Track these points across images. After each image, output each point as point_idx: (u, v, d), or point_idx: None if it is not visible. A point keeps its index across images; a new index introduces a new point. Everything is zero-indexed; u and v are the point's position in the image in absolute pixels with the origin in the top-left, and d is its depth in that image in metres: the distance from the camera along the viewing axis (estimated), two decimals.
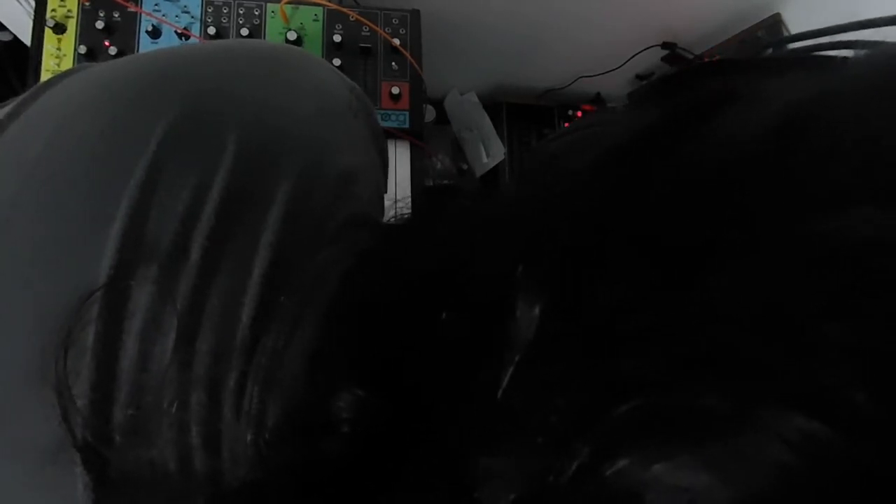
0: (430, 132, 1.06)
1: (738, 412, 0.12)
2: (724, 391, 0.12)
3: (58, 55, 0.65)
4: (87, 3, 0.66)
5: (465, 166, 1.08)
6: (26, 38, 0.67)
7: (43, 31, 0.65)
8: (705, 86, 0.18)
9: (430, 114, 1.05)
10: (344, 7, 0.72)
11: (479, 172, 1.05)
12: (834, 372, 0.12)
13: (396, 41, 0.71)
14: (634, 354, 0.14)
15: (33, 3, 0.66)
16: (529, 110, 1.11)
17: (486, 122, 1.04)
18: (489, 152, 1.03)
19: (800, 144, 0.14)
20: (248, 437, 0.20)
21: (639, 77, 1.09)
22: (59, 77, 0.27)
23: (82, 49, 0.65)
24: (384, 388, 0.18)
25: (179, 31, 0.67)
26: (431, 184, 0.98)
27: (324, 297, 0.21)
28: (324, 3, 0.70)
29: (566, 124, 1.11)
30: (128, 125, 0.23)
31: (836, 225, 0.12)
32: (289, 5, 0.69)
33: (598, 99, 1.15)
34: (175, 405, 0.20)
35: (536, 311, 0.15)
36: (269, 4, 0.69)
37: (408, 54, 0.72)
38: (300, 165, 0.24)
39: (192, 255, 0.21)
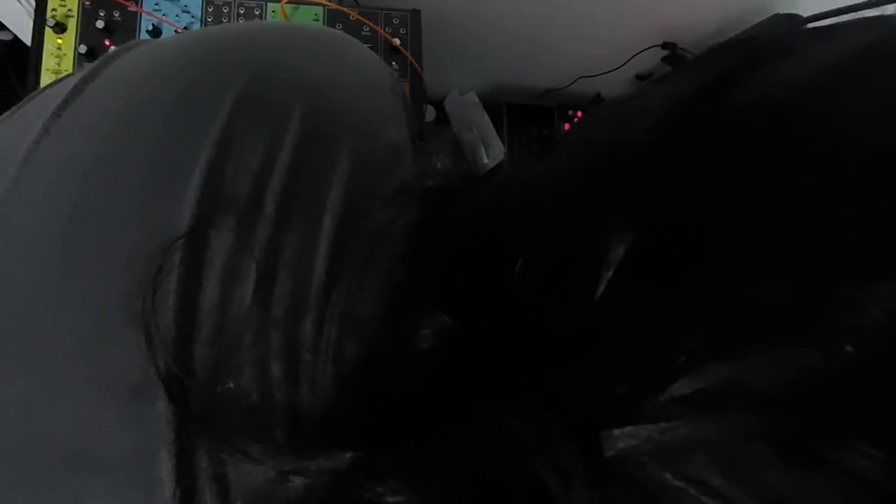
0: (430, 132, 1.06)
1: (830, 285, 0.13)
2: (802, 285, 0.13)
3: (58, 55, 0.65)
4: (88, 3, 0.66)
5: (465, 166, 1.08)
6: (26, 38, 0.67)
7: (43, 31, 0.65)
8: (755, 42, 0.19)
9: (430, 114, 1.05)
10: (344, 7, 0.72)
11: (479, 172, 1.05)
12: None
13: (396, 41, 0.71)
14: (722, 262, 0.15)
15: (33, 3, 0.66)
16: (529, 110, 1.11)
17: (486, 122, 1.04)
18: (489, 152, 1.03)
19: (866, 77, 0.16)
20: (328, 372, 0.21)
21: (639, 77, 1.09)
22: (128, 47, 0.29)
23: (83, 49, 0.65)
24: (468, 315, 0.18)
25: (180, 31, 0.67)
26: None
27: (395, 243, 0.22)
28: (324, 2, 0.70)
29: (566, 126, 1.11)
30: (203, 89, 0.25)
31: None
32: (289, 5, 0.69)
33: (598, 99, 1.15)
34: (255, 343, 0.21)
35: (629, 234, 0.16)
36: (269, 4, 0.69)
37: (408, 54, 0.72)
38: (358, 132, 0.26)
39: (266, 208, 0.23)
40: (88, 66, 0.28)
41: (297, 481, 0.19)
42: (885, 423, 0.13)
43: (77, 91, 0.26)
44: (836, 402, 0.13)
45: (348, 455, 0.17)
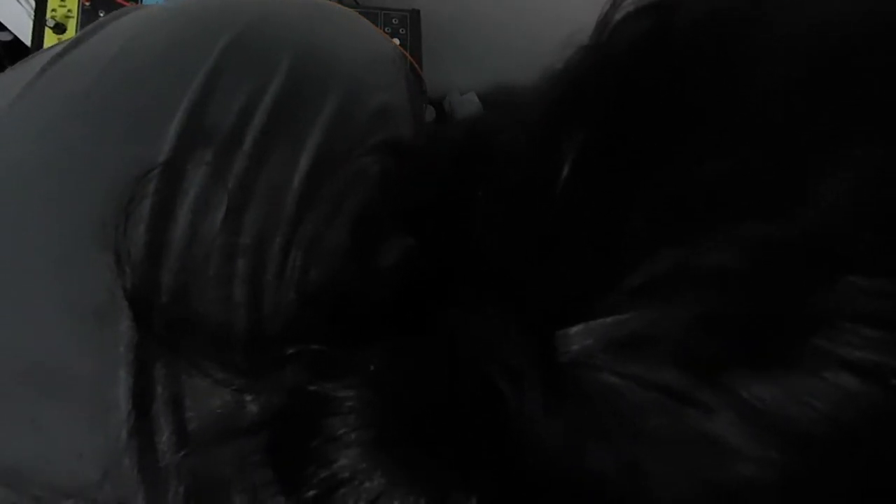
0: None
1: (788, 158, 0.13)
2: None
3: None
4: (88, 3, 0.66)
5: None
6: (26, 38, 0.67)
7: (43, 31, 0.65)
8: None
9: (430, 114, 1.05)
10: (344, 7, 0.72)
11: None
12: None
13: (396, 41, 0.71)
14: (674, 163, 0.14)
15: (33, 3, 0.66)
16: None
17: None
18: None
19: None
20: (290, 294, 0.22)
21: None
22: (129, 9, 0.31)
23: None
24: (431, 231, 0.19)
25: None
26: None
27: (367, 186, 0.22)
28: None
29: None
30: (194, 37, 0.26)
31: None
32: None
33: None
34: (220, 268, 0.22)
35: (581, 133, 0.16)
36: None
37: (408, 54, 0.72)
38: (345, 89, 0.27)
39: (245, 145, 0.24)
40: (92, 24, 0.30)
41: (253, 406, 0.19)
42: (871, 295, 0.12)
43: (75, 43, 0.27)
44: (804, 275, 0.12)
45: (304, 361, 0.18)
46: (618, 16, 0.18)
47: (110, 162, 0.23)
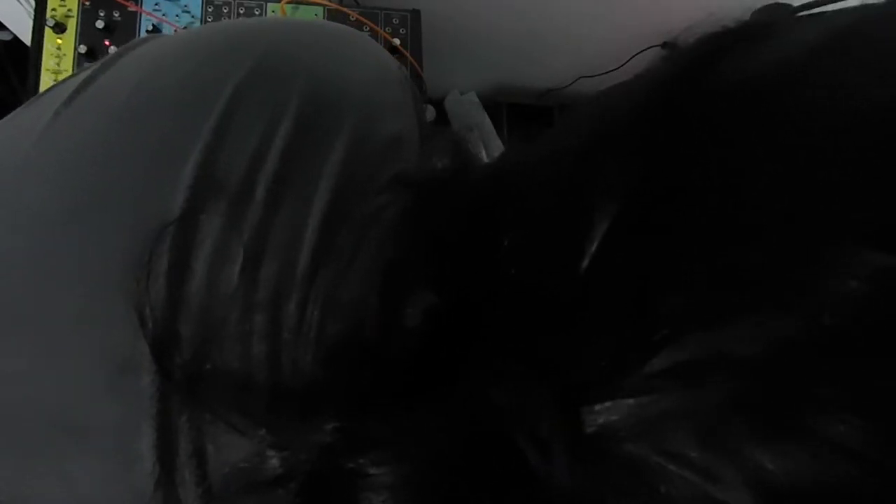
0: None
1: (808, 252, 0.13)
2: (790, 235, 0.14)
3: (58, 55, 0.65)
4: (88, 3, 0.66)
5: (460, 157, 1.07)
6: (26, 38, 0.67)
7: (43, 31, 0.65)
8: (739, 27, 0.19)
9: (430, 114, 1.05)
10: (344, 7, 0.72)
11: None
12: None
13: (396, 41, 0.71)
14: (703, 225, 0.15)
15: (33, 3, 0.66)
16: (529, 110, 1.12)
17: (487, 122, 1.04)
18: (489, 152, 1.03)
19: (845, 56, 0.16)
20: (309, 352, 0.22)
21: None
22: (140, 41, 0.31)
23: (82, 49, 0.65)
24: (456, 292, 0.19)
25: (180, 31, 0.67)
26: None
27: (385, 229, 0.22)
28: (324, 2, 0.70)
29: None
30: (205, 78, 0.26)
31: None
32: (289, 5, 0.69)
33: None
34: (239, 323, 0.22)
35: (613, 206, 0.16)
36: (269, 4, 0.69)
37: (408, 54, 0.72)
38: (356, 124, 0.27)
39: (257, 194, 0.24)
40: (102, 59, 0.30)
41: (275, 460, 0.19)
42: (862, 389, 0.13)
43: (88, 81, 0.27)
44: (813, 370, 0.13)
45: (329, 427, 0.18)
46: (655, 77, 0.18)
47: (129, 216, 0.23)
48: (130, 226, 0.23)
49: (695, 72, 0.18)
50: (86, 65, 0.28)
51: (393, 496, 0.16)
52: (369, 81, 0.30)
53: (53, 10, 0.65)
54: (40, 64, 0.65)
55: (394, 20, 0.73)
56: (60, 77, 0.65)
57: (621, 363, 0.15)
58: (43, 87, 0.65)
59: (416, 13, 0.73)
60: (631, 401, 0.15)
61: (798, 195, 0.14)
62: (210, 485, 0.21)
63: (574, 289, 0.16)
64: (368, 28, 0.71)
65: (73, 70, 0.65)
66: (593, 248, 0.16)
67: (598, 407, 0.15)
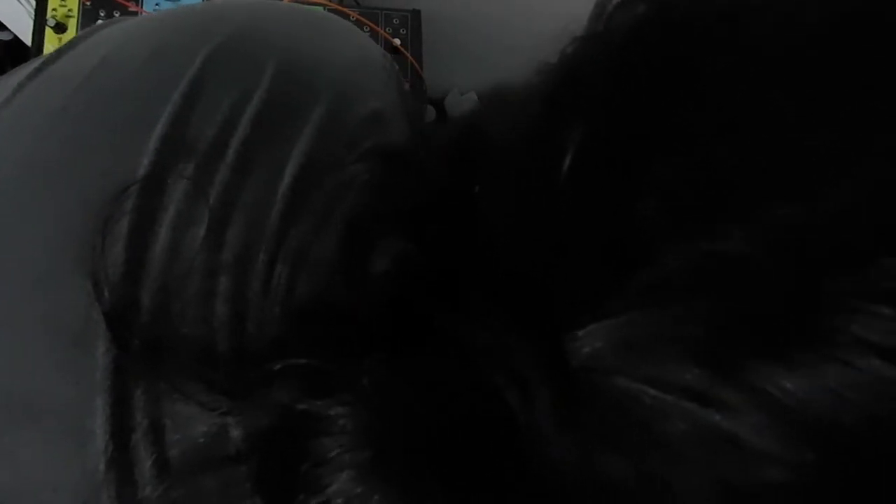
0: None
1: (788, 141, 0.12)
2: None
3: None
4: (88, 3, 0.66)
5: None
6: (27, 38, 0.67)
7: (44, 31, 0.65)
8: None
9: (430, 114, 1.05)
10: (344, 7, 0.72)
11: None
12: None
13: (397, 41, 0.71)
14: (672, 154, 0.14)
15: (34, 3, 0.65)
16: None
17: None
18: None
19: None
20: (276, 311, 0.21)
21: None
22: (113, 21, 0.31)
23: None
24: (428, 236, 0.18)
25: None
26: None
27: (356, 194, 0.21)
28: (324, 2, 0.69)
29: None
30: (177, 46, 0.26)
31: None
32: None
33: None
34: (201, 286, 0.21)
35: (581, 128, 0.15)
36: None
37: (408, 54, 0.72)
38: (333, 96, 0.26)
39: (227, 157, 0.23)
40: (70, 39, 0.29)
41: (236, 433, 0.18)
42: (887, 275, 0.11)
43: (53, 57, 0.27)
44: (823, 259, 0.11)
45: (294, 385, 0.17)
46: (613, 3, 0.17)
47: (88, 179, 0.23)
48: (92, 190, 0.22)
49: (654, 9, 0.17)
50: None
51: (352, 440, 0.15)
52: (349, 61, 0.29)
53: (54, 10, 0.65)
54: None
55: (394, 20, 0.73)
56: None
57: (602, 282, 0.13)
58: None
59: (416, 13, 0.73)
60: (615, 320, 0.13)
61: (767, 90, 0.13)
62: (167, 462, 0.20)
63: (549, 212, 0.15)
64: (368, 28, 0.71)
65: None
66: (564, 168, 0.15)
67: (581, 332, 0.13)
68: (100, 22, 0.32)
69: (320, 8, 0.70)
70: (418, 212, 0.19)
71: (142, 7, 0.67)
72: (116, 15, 0.66)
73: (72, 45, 0.28)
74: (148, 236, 0.22)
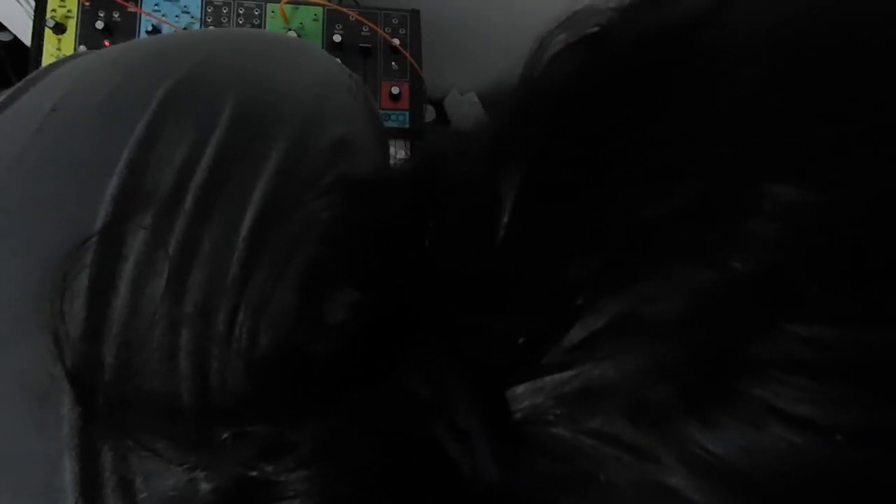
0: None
1: (713, 199, 0.13)
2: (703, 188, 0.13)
3: (58, 55, 0.65)
4: (87, 4, 0.66)
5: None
6: (26, 38, 0.67)
7: (43, 31, 0.65)
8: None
9: (430, 114, 1.05)
10: (344, 7, 0.72)
11: None
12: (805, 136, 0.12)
13: (396, 41, 0.71)
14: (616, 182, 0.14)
15: (33, 3, 0.66)
16: None
17: None
18: None
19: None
20: (239, 364, 0.20)
21: None
22: (72, 57, 0.29)
23: (82, 49, 0.65)
24: (381, 287, 0.18)
25: (179, 32, 0.67)
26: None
27: (315, 236, 0.21)
28: (324, 3, 0.70)
29: None
30: (133, 88, 0.25)
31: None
32: (289, 5, 0.69)
33: None
34: (163, 339, 0.21)
35: (518, 175, 0.15)
36: (269, 4, 0.69)
37: (408, 54, 0.72)
38: (295, 129, 0.26)
39: (186, 204, 0.23)
40: (31, 74, 0.28)
41: (205, 486, 0.18)
42: (794, 341, 0.11)
43: (8, 100, 0.26)
44: (736, 324, 0.12)
45: (257, 442, 0.17)
46: (549, 53, 0.17)
47: (46, 233, 0.22)
48: (50, 245, 0.22)
49: (596, 36, 0.17)
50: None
51: (303, 503, 0.15)
52: (311, 88, 0.29)
53: (53, 10, 0.65)
54: (40, 64, 0.64)
55: (394, 20, 0.73)
56: None
57: (538, 339, 0.14)
58: None
59: (415, 13, 0.73)
60: (552, 377, 0.13)
61: (699, 145, 0.14)
62: None
63: (489, 267, 0.15)
64: (368, 28, 0.71)
65: None
66: (504, 221, 0.15)
67: (520, 389, 0.14)
68: (65, 56, 0.31)
69: (319, 8, 0.70)
70: (373, 256, 0.19)
71: (141, 7, 0.67)
72: (116, 16, 0.66)
73: (31, 82, 0.27)
74: (108, 290, 0.21)
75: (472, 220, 0.17)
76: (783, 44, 0.14)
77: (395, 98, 0.71)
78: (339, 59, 0.69)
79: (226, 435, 0.17)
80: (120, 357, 0.21)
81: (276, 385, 0.19)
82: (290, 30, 0.69)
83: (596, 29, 0.17)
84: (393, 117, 0.71)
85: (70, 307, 0.21)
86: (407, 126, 0.71)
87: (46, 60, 0.65)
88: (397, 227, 0.19)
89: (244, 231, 0.23)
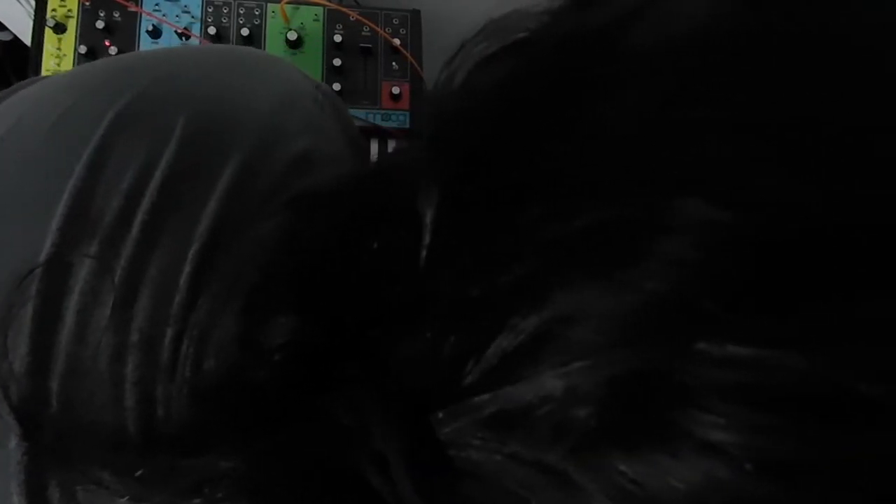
0: None
1: (625, 216, 0.12)
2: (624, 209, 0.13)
3: (58, 55, 0.65)
4: (88, 3, 0.66)
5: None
6: (26, 38, 0.67)
7: (43, 31, 0.65)
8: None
9: None
10: (344, 7, 0.72)
11: None
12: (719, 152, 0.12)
13: (397, 41, 0.71)
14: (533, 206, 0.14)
15: (33, 3, 0.65)
16: None
17: None
18: None
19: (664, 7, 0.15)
20: (183, 392, 0.20)
21: None
22: (30, 82, 0.29)
23: (82, 49, 0.65)
24: (315, 311, 0.18)
25: (180, 31, 0.67)
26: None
27: (262, 259, 0.21)
28: (324, 3, 0.69)
29: None
30: (83, 111, 0.24)
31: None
32: (289, 5, 0.69)
33: None
34: (109, 368, 0.21)
35: (434, 196, 0.15)
36: (269, 4, 0.69)
37: (408, 54, 0.71)
38: (248, 147, 0.25)
39: (133, 229, 0.22)
40: None
41: None
42: (706, 366, 0.11)
43: None
44: (657, 350, 0.12)
45: (194, 474, 0.17)
46: (469, 63, 0.17)
47: None
48: None
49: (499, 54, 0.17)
50: None
51: None
52: (269, 103, 0.28)
53: (53, 10, 0.65)
54: (40, 64, 0.64)
55: (394, 20, 0.73)
56: None
57: (457, 362, 0.14)
58: None
59: (416, 13, 0.73)
60: (471, 401, 0.13)
61: (609, 161, 0.13)
62: None
63: (413, 290, 0.15)
64: (368, 28, 0.71)
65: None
66: (426, 243, 0.15)
67: (441, 414, 0.14)
68: (20, 82, 0.30)
69: (320, 9, 0.70)
70: (311, 280, 0.18)
71: (141, 7, 0.67)
72: (116, 15, 0.66)
73: None
74: (54, 322, 0.21)
75: (398, 241, 0.16)
76: (693, 53, 0.14)
77: (395, 98, 0.71)
78: (339, 60, 0.69)
79: (168, 465, 0.17)
80: (66, 389, 0.20)
81: (217, 414, 0.18)
82: (290, 30, 0.69)
83: (520, 37, 0.17)
84: (393, 117, 0.71)
85: (14, 342, 0.20)
86: (407, 126, 0.71)
87: (46, 60, 0.65)
88: (335, 248, 0.18)
89: (192, 254, 0.22)
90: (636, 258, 0.12)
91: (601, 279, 0.12)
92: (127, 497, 0.18)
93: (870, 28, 0.13)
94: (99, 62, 0.29)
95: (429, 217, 0.15)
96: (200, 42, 0.67)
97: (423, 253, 0.15)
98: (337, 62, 0.69)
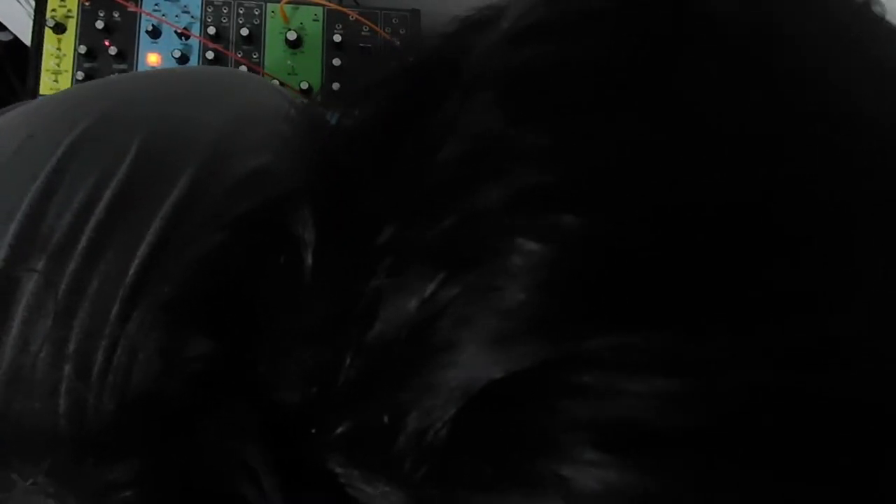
0: None
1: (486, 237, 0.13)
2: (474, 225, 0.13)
3: (58, 55, 0.65)
4: (88, 3, 0.66)
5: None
6: (26, 38, 0.67)
7: (43, 31, 0.65)
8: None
9: None
10: (344, 7, 0.72)
11: None
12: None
13: (396, 41, 0.71)
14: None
15: (33, 3, 0.66)
16: None
17: None
18: None
19: None
20: (111, 402, 0.21)
21: None
22: (4, 110, 0.30)
23: (82, 49, 0.65)
24: (220, 330, 0.18)
25: (179, 31, 0.67)
26: None
27: (189, 277, 0.21)
28: (324, 3, 0.70)
29: None
30: (43, 136, 0.26)
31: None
32: (289, 5, 0.69)
33: None
34: (46, 377, 0.22)
35: (307, 215, 0.16)
36: (269, 4, 0.69)
37: None
38: (199, 166, 0.26)
39: (80, 245, 0.23)
40: None
41: None
42: (576, 406, 0.11)
43: None
44: (510, 372, 0.12)
45: (101, 483, 0.17)
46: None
47: None
48: None
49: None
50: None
51: None
52: (230, 122, 0.28)
53: (53, 10, 0.65)
54: (40, 64, 0.65)
55: (394, 20, 0.73)
56: (60, 77, 0.65)
57: (321, 380, 0.14)
58: (43, 88, 0.65)
59: (415, 13, 0.73)
60: (332, 420, 0.14)
61: (463, 171, 0.14)
62: None
63: (296, 308, 0.16)
64: (368, 28, 0.71)
65: (72, 70, 0.65)
66: (308, 264, 0.16)
67: (313, 431, 0.14)
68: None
69: (320, 8, 0.70)
70: (221, 302, 0.19)
71: (141, 7, 0.67)
72: (116, 15, 0.66)
73: None
74: (4, 334, 0.22)
75: (286, 262, 0.17)
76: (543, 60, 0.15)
77: None
78: (339, 60, 0.69)
79: (88, 471, 0.18)
80: (7, 395, 0.22)
81: (134, 424, 0.19)
82: (290, 30, 0.69)
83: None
84: None
85: None
86: None
87: (46, 60, 0.65)
88: (241, 268, 0.19)
89: (133, 269, 0.23)
90: (493, 275, 0.12)
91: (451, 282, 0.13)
92: (53, 499, 0.19)
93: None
94: (59, 93, 0.31)
95: (309, 240, 0.16)
96: (200, 42, 0.67)
97: (308, 274, 0.16)
98: (336, 62, 0.69)
